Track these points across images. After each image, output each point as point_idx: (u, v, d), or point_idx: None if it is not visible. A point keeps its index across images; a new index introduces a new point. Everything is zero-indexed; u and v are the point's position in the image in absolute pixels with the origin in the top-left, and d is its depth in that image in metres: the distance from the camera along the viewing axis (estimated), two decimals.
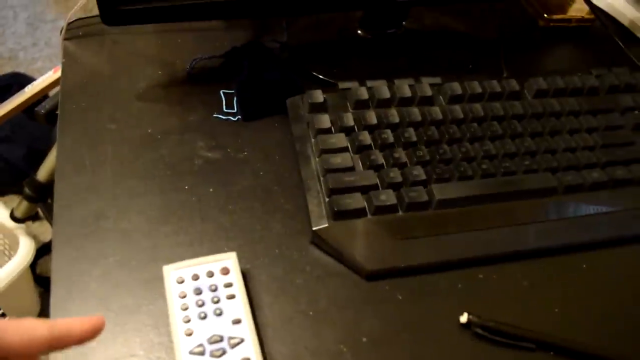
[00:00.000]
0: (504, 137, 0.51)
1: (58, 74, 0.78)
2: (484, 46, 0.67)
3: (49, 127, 0.71)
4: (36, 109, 0.67)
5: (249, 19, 0.65)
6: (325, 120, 0.49)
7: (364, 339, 0.40)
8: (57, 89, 0.80)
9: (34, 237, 1.15)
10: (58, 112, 0.54)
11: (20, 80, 1.42)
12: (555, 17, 0.72)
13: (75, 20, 0.64)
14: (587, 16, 0.72)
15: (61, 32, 0.62)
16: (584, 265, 0.47)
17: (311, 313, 0.41)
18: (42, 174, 0.93)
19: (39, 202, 0.97)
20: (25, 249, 1.07)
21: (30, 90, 0.81)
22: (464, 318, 0.41)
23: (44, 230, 1.48)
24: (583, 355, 0.41)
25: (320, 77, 0.59)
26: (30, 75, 1.53)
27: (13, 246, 1.19)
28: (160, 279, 0.41)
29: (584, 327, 0.43)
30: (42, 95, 0.86)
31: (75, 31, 0.63)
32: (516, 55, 0.66)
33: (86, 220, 0.46)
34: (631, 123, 0.54)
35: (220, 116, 0.55)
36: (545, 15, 0.72)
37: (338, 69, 0.60)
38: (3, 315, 1.13)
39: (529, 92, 0.56)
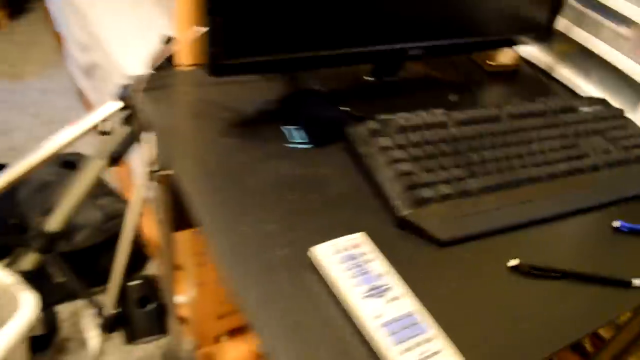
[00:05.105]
0: (503, 146, 0.73)
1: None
2: (454, 86, 0.90)
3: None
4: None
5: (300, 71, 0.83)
6: (386, 141, 0.68)
7: (446, 288, 0.58)
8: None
9: None
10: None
11: None
12: (493, 63, 0.97)
13: (142, 75, 0.77)
14: (515, 62, 0.98)
15: (133, 85, 0.75)
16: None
17: (410, 271, 0.58)
18: (54, 223, 1.00)
19: (50, 253, 1.02)
20: (32, 305, 1.07)
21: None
22: (514, 262, 0.61)
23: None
24: (590, 278, 0.62)
25: (352, 112, 0.78)
26: None
27: (4, 305, 1.17)
28: (301, 264, 0.56)
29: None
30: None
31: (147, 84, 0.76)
32: (476, 91, 0.89)
33: (229, 224, 0.59)
34: (572, 132, 0.79)
35: (294, 145, 0.71)
36: (487, 62, 0.97)
37: (362, 106, 0.79)
38: None
39: (504, 115, 0.78)
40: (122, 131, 0.93)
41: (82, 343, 1.31)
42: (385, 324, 0.49)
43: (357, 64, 0.83)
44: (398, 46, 0.80)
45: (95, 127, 0.96)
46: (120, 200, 1.49)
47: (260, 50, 0.66)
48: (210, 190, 0.63)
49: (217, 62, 0.65)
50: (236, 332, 1.27)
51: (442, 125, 0.74)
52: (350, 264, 0.55)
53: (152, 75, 0.79)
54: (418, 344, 0.48)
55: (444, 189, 0.64)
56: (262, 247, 0.58)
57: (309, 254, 0.57)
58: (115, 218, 1.39)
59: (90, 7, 1.61)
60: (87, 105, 2.12)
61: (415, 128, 0.72)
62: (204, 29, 0.64)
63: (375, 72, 0.85)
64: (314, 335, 0.50)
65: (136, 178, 1.44)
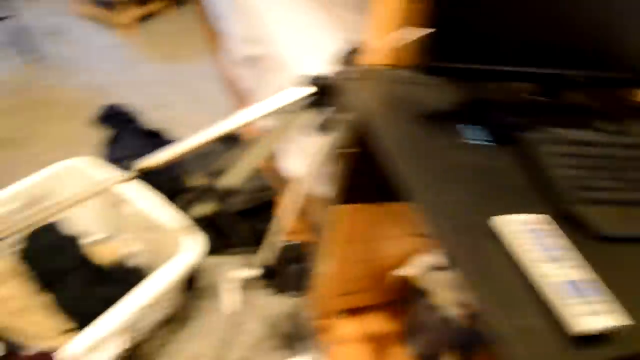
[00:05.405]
0: None
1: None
2: (602, 114, 1.00)
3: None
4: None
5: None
6: (554, 148, 0.80)
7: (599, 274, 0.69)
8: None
9: None
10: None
11: None
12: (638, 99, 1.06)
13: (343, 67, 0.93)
14: None
15: (333, 76, 0.90)
16: None
17: (573, 252, 0.69)
18: (232, 179, 1.18)
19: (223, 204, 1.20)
20: (201, 246, 1.26)
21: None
22: None
23: None
24: None
25: (524, 121, 0.90)
26: None
27: (167, 247, 1.35)
28: (487, 230, 0.69)
29: None
30: None
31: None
32: (621, 121, 0.99)
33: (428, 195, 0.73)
34: None
35: (472, 141, 0.84)
36: (633, 97, 1.06)
37: (525, 119, 0.91)
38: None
39: None
40: (305, 113, 1.10)
41: (220, 291, 1.49)
42: (567, 283, 0.61)
43: (532, 82, 0.96)
44: (564, 72, 0.92)
45: (280, 108, 1.13)
46: (261, 177, 1.68)
47: (469, 59, 0.80)
48: (405, 168, 0.77)
49: (434, 65, 0.79)
50: (356, 311, 1.41)
51: (597, 144, 0.85)
52: (536, 235, 0.67)
53: (346, 69, 0.94)
54: (595, 302, 0.59)
55: (602, 195, 0.76)
56: (454, 214, 0.71)
57: (494, 222, 0.69)
58: (259, 191, 1.58)
59: (259, 7, 1.82)
60: (231, 91, 2.36)
61: (576, 142, 0.83)
62: (413, 35, 0.79)
63: (542, 92, 0.96)
64: (500, 281, 0.63)
65: (302, 158, 1.62)
